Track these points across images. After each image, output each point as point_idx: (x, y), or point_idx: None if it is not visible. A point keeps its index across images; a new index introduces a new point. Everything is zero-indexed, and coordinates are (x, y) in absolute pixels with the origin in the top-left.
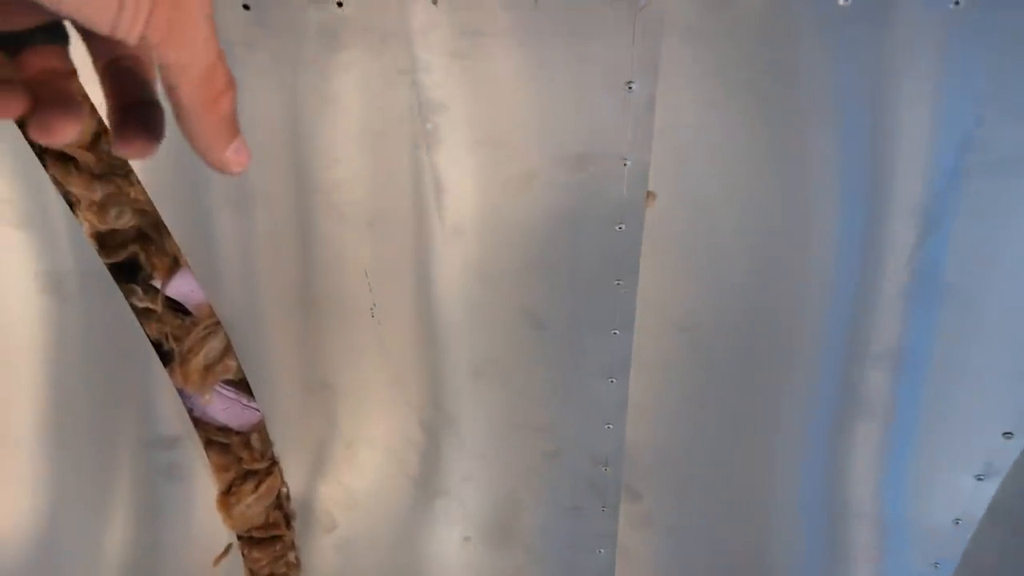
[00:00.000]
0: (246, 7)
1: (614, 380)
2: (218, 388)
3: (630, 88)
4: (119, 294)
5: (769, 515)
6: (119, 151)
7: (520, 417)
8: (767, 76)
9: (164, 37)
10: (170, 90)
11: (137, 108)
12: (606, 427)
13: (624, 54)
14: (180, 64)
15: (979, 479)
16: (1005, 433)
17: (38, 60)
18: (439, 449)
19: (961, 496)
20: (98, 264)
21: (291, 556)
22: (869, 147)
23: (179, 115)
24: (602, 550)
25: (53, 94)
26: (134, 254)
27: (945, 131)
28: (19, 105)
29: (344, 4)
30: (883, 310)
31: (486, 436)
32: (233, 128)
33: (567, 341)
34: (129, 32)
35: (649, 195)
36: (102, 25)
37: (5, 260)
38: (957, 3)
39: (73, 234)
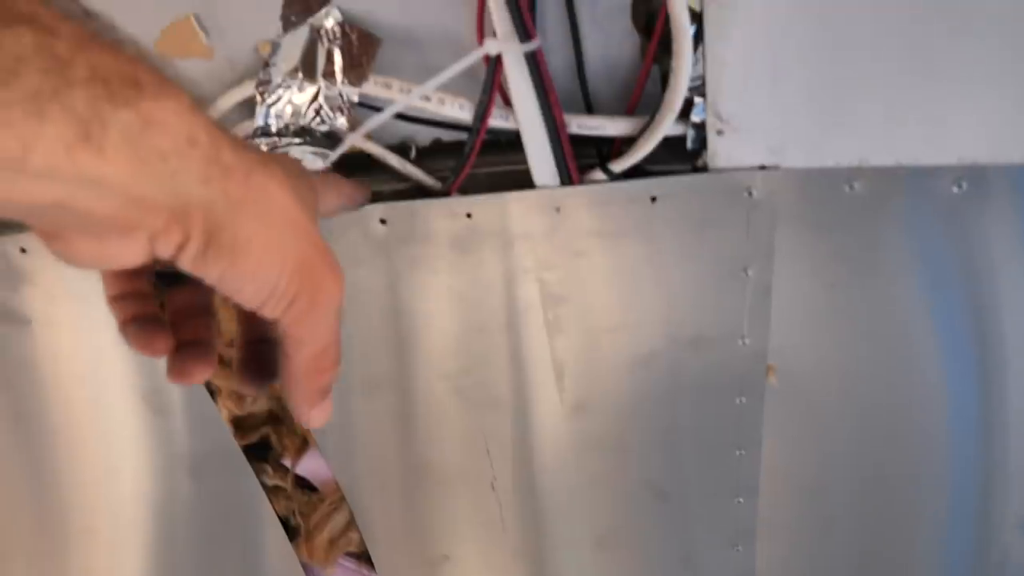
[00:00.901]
0: (383, 221)
1: (739, 548)
2: (341, 560)
3: (746, 274)
4: (240, 472)
5: None
6: (239, 386)
7: None
8: (880, 259)
9: (295, 320)
10: (283, 352)
11: (261, 346)
12: None
13: (739, 243)
14: (299, 339)
15: None
16: None
17: (183, 296)
18: None
19: None
20: (223, 444)
21: None
22: (986, 324)
23: (283, 369)
24: None
25: (193, 335)
26: (266, 435)
27: None
28: (165, 345)
29: (472, 215)
30: (1015, 474)
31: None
32: (325, 394)
33: (690, 510)
34: (270, 314)
35: (769, 368)
36: (249, 305)
37: (148, 444)
38: None
39: (201, 418)
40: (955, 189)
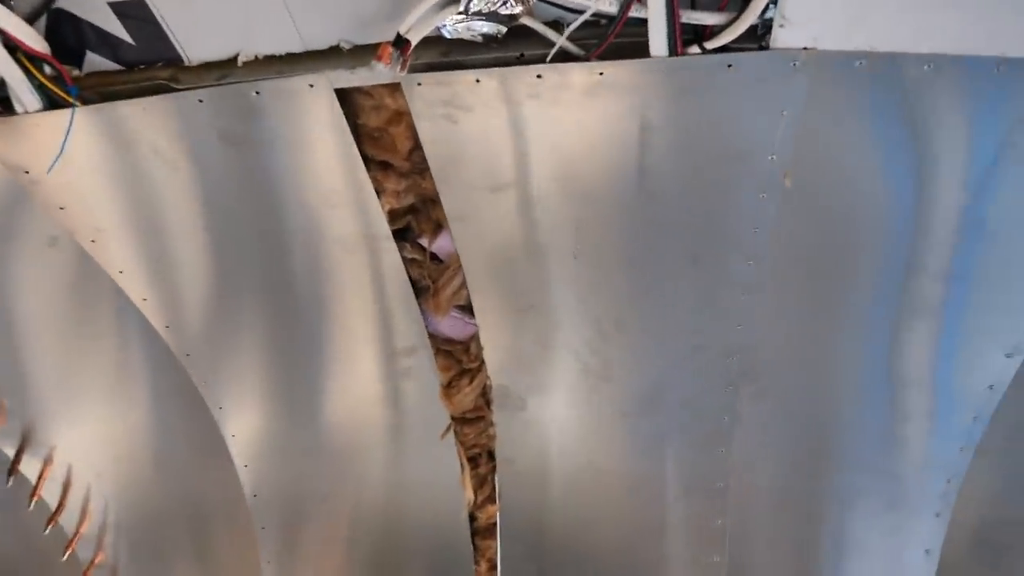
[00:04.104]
0: (539, 76)
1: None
2: (451, 311)
3: (782, 114)
4: None
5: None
6: None
7: (673, 323)
8: (867, 105)
9: None
10: None
11: None
12: (737, 327)
13: (782, 95)
14: None
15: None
16: None
17: None
18: (612, 351)
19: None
20: None
21: (491, 431)
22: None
23: None
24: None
25: None
26: (409, 222)
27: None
28: None
29: (604, 73)
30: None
31: (652, 343)
32: None
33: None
34: None
35: (786, 173)
36: None
37: None
38: None
39: None
40: (925, 68)
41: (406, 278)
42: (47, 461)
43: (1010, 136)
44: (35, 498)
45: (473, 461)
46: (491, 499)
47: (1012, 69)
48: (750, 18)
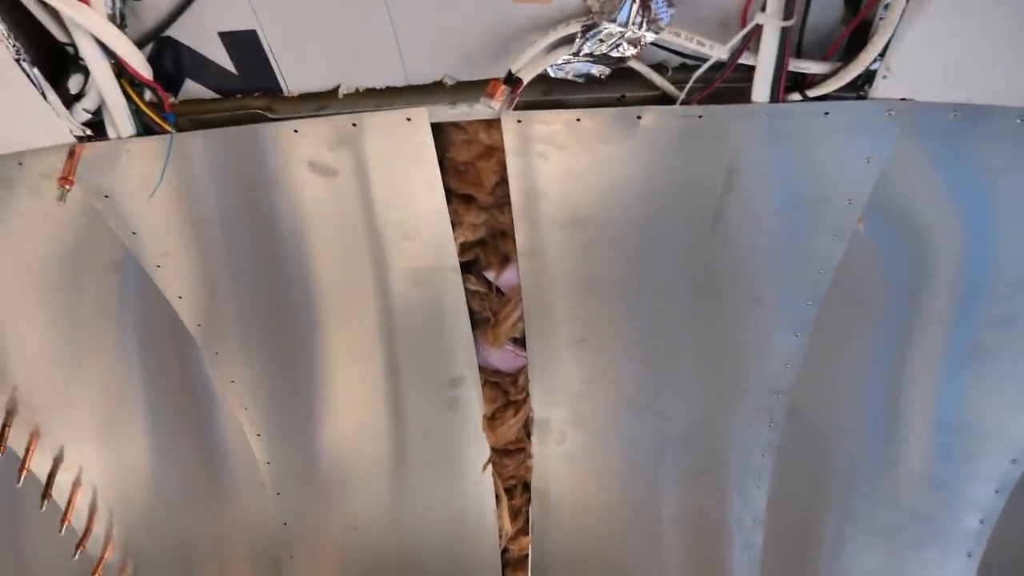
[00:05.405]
0: (639, 117)
1: (798, 334)
2: (506, 344)
3: (867, 161)
4: None
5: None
6: None
7: (724, 361)
8: (954, 156)
9: None
10: None
11: None
12: (785, 367)
13: (870, 143)
14: None
15: None
16: None
17: None
18: (659, 386)
19: None
20: None
21: (529, 462)
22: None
23: None
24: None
25: None
26: (477, 255)
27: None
28: None
29: (703, 116)
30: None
31: (700, 380)
32: None
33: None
34: None
35: (859, 218)
36: None
37: None
38: None
39: None
40: (1018, 121)
41: (466, 310)
42: (76, 484)
43: None
44: (66, 523)
45: (508, 492)
46: (524, 531)
47: None
48: (857, 69)
